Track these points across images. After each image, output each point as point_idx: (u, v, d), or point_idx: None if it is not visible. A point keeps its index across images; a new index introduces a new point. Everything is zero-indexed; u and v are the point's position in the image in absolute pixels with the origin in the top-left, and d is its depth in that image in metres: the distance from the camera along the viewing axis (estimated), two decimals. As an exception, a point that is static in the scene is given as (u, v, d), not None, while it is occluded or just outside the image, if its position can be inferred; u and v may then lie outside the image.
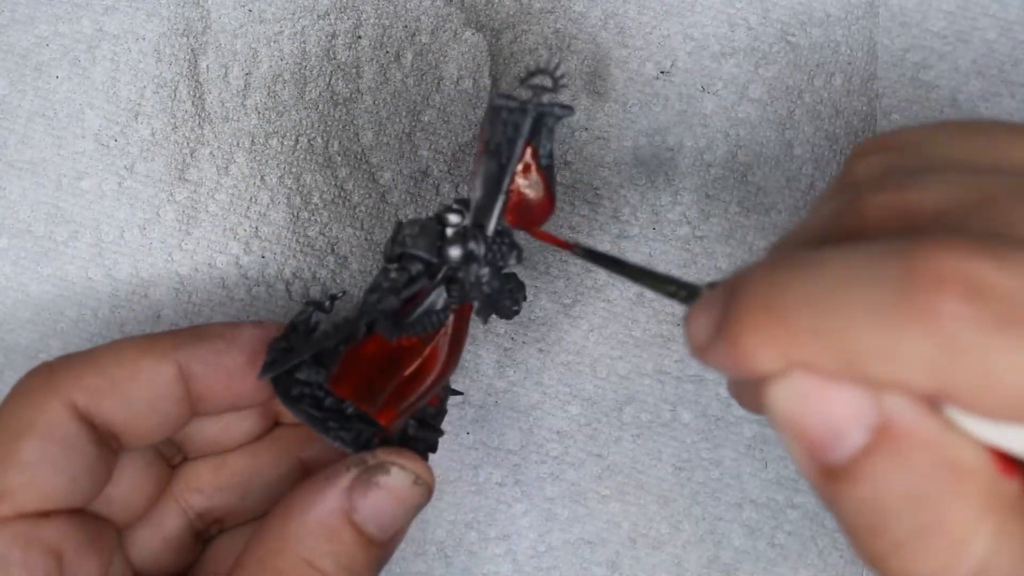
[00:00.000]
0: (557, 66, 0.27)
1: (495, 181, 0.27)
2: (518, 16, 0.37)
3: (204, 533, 0.32)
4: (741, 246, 0.36)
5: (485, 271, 0.27)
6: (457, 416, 0.36)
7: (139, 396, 0.28)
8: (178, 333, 0.29)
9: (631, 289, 0.36)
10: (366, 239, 0.36)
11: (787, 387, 0.19)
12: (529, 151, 0.27)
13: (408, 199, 0.36)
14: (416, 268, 0.28)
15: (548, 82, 0.26)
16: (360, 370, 0.28)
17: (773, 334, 0.19)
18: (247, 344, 0.29)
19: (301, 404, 0.28)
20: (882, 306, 0.18)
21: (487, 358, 0.36)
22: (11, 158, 0.36)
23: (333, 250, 0.36)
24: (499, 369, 0.36)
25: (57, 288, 0.36)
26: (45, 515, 0.27)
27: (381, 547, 0.27)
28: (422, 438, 0.30)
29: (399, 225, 0.28)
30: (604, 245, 0.36)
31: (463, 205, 0.28)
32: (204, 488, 0.31)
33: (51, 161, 0.36)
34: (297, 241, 0.36)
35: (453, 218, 0.28)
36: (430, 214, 0.29)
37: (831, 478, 0.19)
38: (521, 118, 0.26)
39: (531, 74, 0.26)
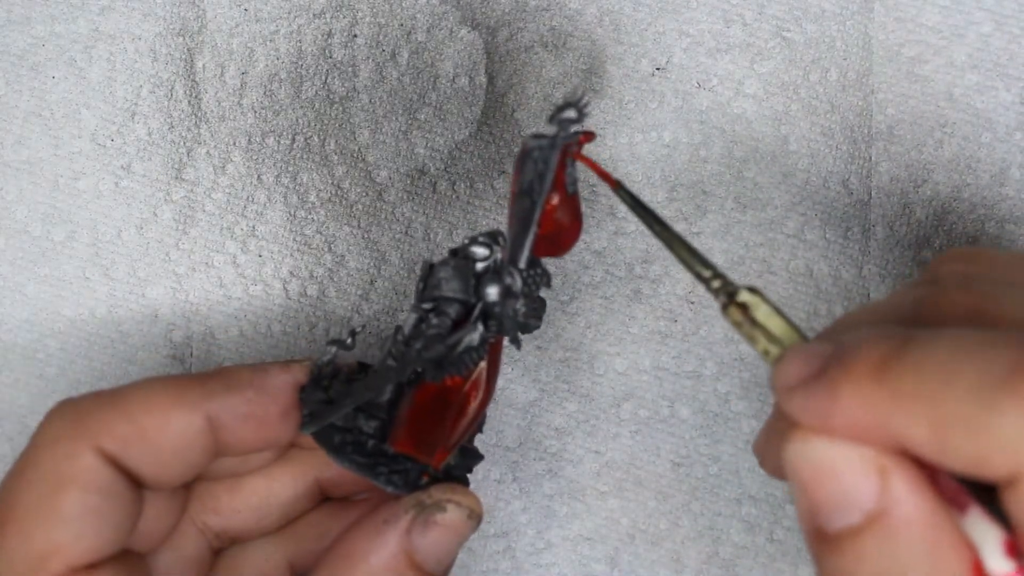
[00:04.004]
0: (581, 98, 0.27)
1: (527, 216, 0.27)
2: (513, 14, 0.37)
3: (221, 550, 0.32)
4: (737, 242, 0.36)
5: (520, 303, 0.28)
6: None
7: (167, 446, 0.27)
8: (207, 380, 0.28)
9: (628, 286, 0.36)
10: (363, 237, 0.36)
11: (810, 450, 0.21)
12: (558, 182, 0.28)
13: (405, 197, 0.36)
14: (455, 311, 0.28)
15: (572, 113, 0.27)
16: (415, 422, 0.28)
17: (877, 392, 0.20)
18: (278, 393, 0.29)
19: (345, 452, 0.28)
20: (987, 383, 0.19)
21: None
22: (7, 158, 0.36)
23: (330, 248, 0.36)
24: (497, 366, 0.36)
25: (54, 288, 0.36)
26: (94, 567, 0.26)
27: None
28: (463, 465, 0.30)
29: (431, 268, 0.29)
30: (601, 242, 0.36)
31: (490, 238, 0.29)
32: (221, 510, 0.31)
33: (48, 161, 0.36)
34: (294, 240, 0.36)
35: (480, 251, 0.28)
36: (453, 248, 0.29)
37: (820, 539, 0.21)
38: (551, 153, 0.27)
39: (559, 109, 0.27)
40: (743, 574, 0.35)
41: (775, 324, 0.24)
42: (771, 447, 0.26)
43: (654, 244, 0.36)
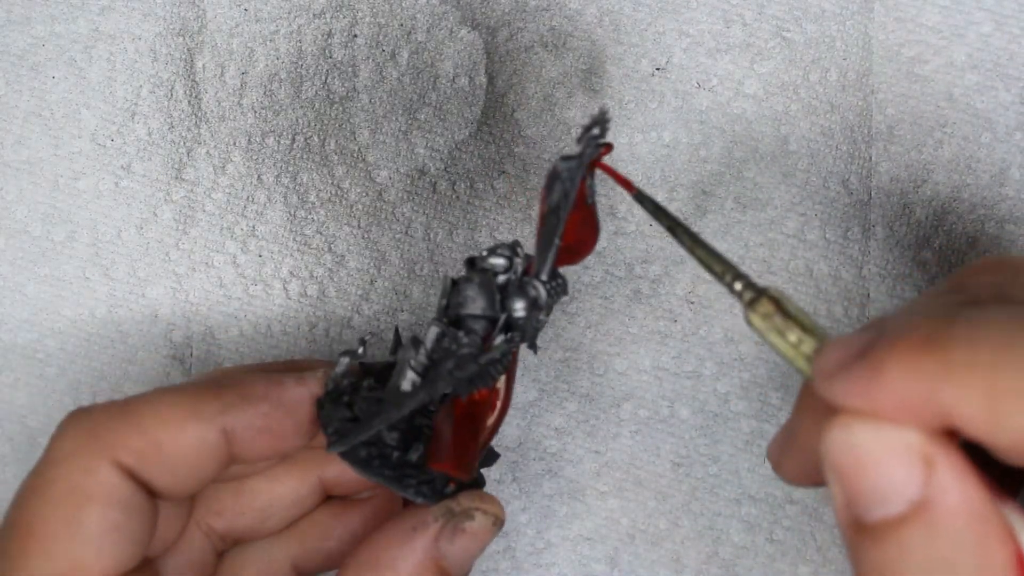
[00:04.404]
0: (604, 115, 0.28)
1: (552, 231, 0.28)
2: (513, 13, 0.37)
3: (224, 552, 0.32)
4: (737, 242, 0.36)
5: (544, 313, 0.28)
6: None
7: (183, 460, 0.27)
8: (222, 393, 0.28)
9: (628, 286, 0.36)
10: (363, 237, 0.36)
11: (851, 437, 0.20)
12: (578, 194, 0.28)
13: (405, 197, 0.36)
14: (483, 327, 0.28)
15: (596, 131, 0.27)
16: (453, 441, 0.28)
17: (925, 362, 0.19)
18: (294, 407, 0.28)
19: (374, 467, 0.28)
20: None
21: (484, 355, 0.36)
22: (7, 158, 0.36)
23: (330, 248, 0.36)
24: (496, 366, 0.36)
25: (54, 288, 0.36)
26: None
27: None
28: (481, 464, 0.30)
29: (454, 284, 0.29)
30: (601, 242, 0.36)
31: (509, 250, 0.29)
32: (225, 512, 0.31)
33: (48, 161, 0.36)
34: (294, 240, 0.36)
35: (499, 262, 0.29)
36: (470, 256, 0.29)
37: (860, 531, 0.21)
38: (578, 171, 0.28)
39: (587, 129, 0.27)
40: (743, 574, 0.35)
41: (806, 319, 0.24)
42: (790, 450, 0.26)
43: (654, 244, 0.36)
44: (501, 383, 0.29)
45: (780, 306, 0.24)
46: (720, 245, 0.36)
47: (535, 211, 0.37)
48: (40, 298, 0.36)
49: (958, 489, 0.20)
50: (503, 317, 0.28)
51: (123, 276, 0.36)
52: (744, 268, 0.36)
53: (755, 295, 0.24)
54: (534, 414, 0.36)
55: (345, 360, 0.29)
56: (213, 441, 0.27)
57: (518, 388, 0.36)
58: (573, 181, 0.28)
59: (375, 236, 0.36)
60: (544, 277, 0.28)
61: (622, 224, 0.36)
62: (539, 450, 0.36)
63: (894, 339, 0.20)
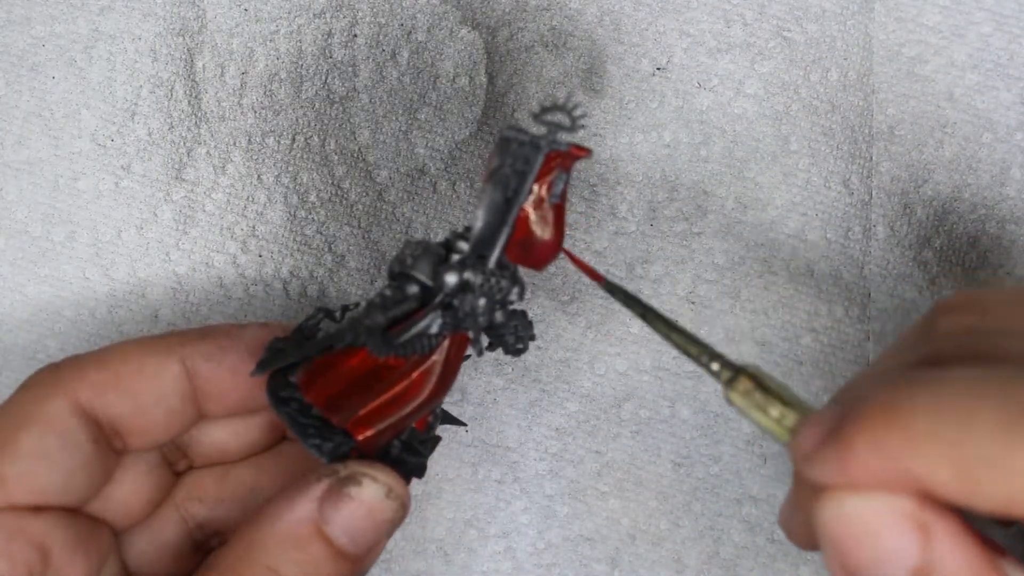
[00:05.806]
0: (575, 105, 0.26)
1: (500, 213, 0.27)
2: (514, 13, 0.37)
3: (204, 544, 0.31)
4: (738, 242, 0.36)
5: (481, 302, 0.27)
6: (455, 414, 0.36)
7: (144, 391, 0.28)
8: (184, 331, 0.29)
9: (629, 286, 0.36)
10: (363, 237, 0.36)
11: (845, 511, 0.20)
12: (541, 188, 0.27)
13: (405, 197, 0.36)
14: (411, 289, 0.27)
15: (564, 119, 0.26)
16: (336, 380, 0.28)
17: (890, 437, 0.20)
18: (252, 343, 0.29)
19: (287, 406, 0.27)
20: (1011, 422, 0.18)
21: (485, 355, 0.36)
22: (8, 159, 0.36)
23: (330, 248, 0.36)
24: (497, 366, 0.36)
25: (54, 288, 0.36)
26: (36, 510, 0.26)
27: (352, 562, 0.26)
28: (406, 461, 0.29)
29: (405, 243, 0.28)
30: (602, 242, 0.36)
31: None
32: (206, 498, 0.31)
33: (48, 161, 0.36)
34: (294, 240, 0.36)
35: (463, 245, 0.28)
36: (444, 237, 0.28)
37: None
38: (533, 153, 0.26)
39: (545, 109, 0.26)
40: (744, 574, 0.35)
41: (786, 393, 0.24)
42: (797, 517, 0.26)
43: (655, 244, 0.36)
44: (436, 372, 0.28)
45: (759, 383, 0.24)
46: (721, 245, 0.36)
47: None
48: (40, 299, 0.36)
49: (957, 554, 0.20)
50: (440, 294, 0.27)
51: (123, 276, 0.36)
52: (744, 268, 0.36)
53: (733, 374, 0.24)
54: (535, 414, 0.36)
55: (320, 315, 0.29)
56: (174, 372, 0.28)
57: (519, 388, 0.36)
58: (529, 164, 0.26)
59: (375, 236, 0.36)
60: (490, 264, 0.27)
61: (623, 224, 0.36)
62: (540, 450, 0.36)
63: (860, 415, 0.20)
